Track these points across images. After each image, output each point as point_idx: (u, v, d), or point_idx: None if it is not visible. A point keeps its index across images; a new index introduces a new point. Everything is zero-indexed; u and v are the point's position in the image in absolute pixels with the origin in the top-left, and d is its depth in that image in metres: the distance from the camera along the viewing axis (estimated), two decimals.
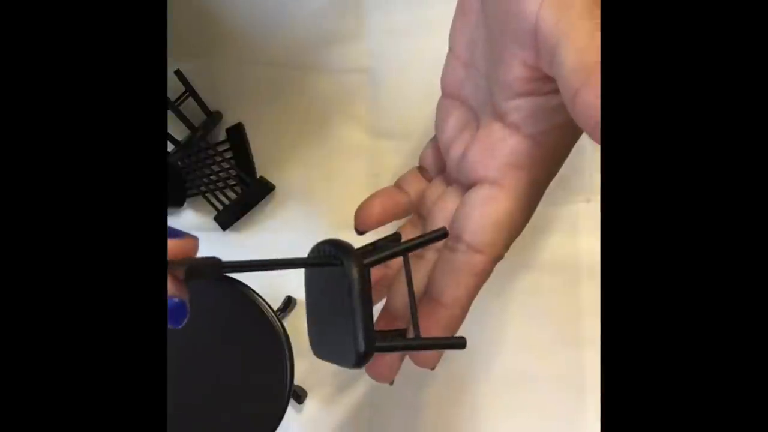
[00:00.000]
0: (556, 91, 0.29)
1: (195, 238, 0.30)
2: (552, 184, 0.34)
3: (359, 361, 0.29)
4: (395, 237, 0.37)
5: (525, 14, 0.29)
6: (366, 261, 0.30)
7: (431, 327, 0.34)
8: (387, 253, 0.31)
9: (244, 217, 0.49)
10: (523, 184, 0.32)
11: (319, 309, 0.35)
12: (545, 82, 0.30)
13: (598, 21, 0.27)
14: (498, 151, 0.33)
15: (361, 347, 0.29)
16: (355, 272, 0.29)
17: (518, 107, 0.31)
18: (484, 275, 0.34)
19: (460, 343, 0.31)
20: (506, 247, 0.33)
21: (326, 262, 0.32)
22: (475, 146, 0.34)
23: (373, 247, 0.35)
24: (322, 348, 0.34)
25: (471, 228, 0.33)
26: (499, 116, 0.32)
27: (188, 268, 0.27)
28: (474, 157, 0.33)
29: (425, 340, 0.32)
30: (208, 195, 0.49)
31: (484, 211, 0.33)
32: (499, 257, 0.33)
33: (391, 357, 0.35)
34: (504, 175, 0.32)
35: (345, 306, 0.29)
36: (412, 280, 0.32)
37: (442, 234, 0.32)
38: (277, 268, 0.30)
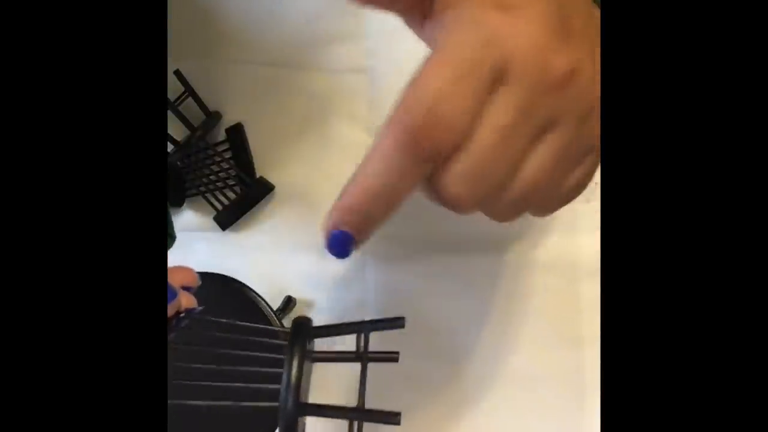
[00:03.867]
0: None
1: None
2: None
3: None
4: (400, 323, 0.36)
5: None
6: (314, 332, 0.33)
7: None
8: (336, 330, 0.33)
9: (244, 217, 0.49)
10: None
11: None
12: None
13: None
14: None
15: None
16: (295, 357, 0.32)
17: None
18: None
19: (394, 421, 0.33)
20: None
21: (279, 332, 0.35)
22: None
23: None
24: None
25: None
26: None
27: None
28: None
29: (359, 411, 0.33)
30: (207, 195, 0.49)
31: None
32: None
33: None
34: None
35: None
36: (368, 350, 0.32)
37: (400, 324, 0.33)
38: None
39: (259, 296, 0.45)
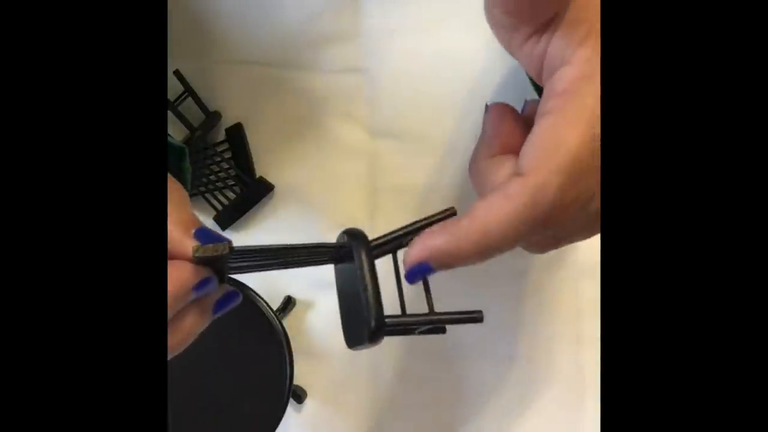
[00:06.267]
0: None
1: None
2: None
3: (372, 336, 0.30)
4: (450, 211, 0.35)
5: None
6: (373, 243, 0.31)
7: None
8: (393, 235, 0.32)
9: (243, 217, 0.50)
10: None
11: (346, 304, 0.35)
12: None
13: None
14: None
15: (372, 324, 0.30)
16: (362, 254, 0.31)
17: None
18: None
19: (476, 318, 0.31)
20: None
21: (336, 245, 0.33)
22: None
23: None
24: (351, 338, 0.34)
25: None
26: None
27: (198, 258, 0.28)
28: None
29: (440, 314, 0.32)
30: (207, 195, 0.49)
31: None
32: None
33: None
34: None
35: (359, 290, 0.31)
36: None
37: (450, 213, 0.32)
38: (288, 256, 0.31)
39: (259, 296, 0.45)
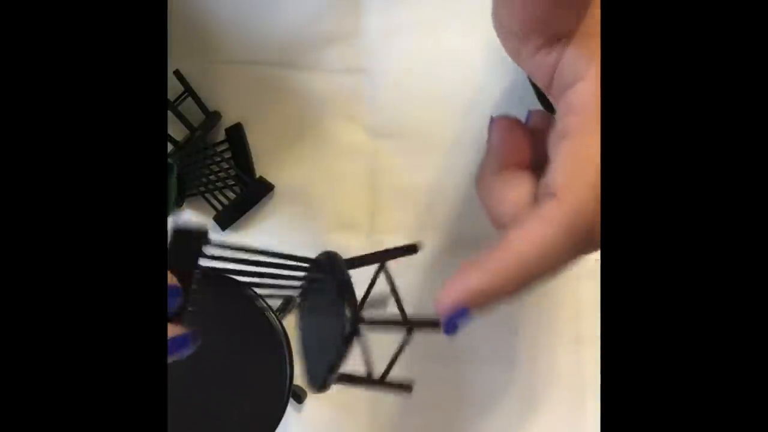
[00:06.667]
0: None
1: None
2: None
3: (348, 336, 0.31)
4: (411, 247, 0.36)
5: None
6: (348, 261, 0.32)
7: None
8: (366, 258, 0.33)
9: (243, 217, 0.49)
10: None
11: (310, 342, 0.37)
12: None
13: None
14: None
15: (349, 318, 0.30)
16: (339, 265, 0.32)
17: None
18: None
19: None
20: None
21: (313, 259, 0.34)
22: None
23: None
24: (314, 375, 0.35)
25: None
26: None
27: (175, 232, 0.29)
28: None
29: (413, 319, 0.32)
30: (207, 195, 0.49)
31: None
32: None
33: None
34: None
35: (334, 299, 0.31)
36: None
37: (411, 248, 0.33)
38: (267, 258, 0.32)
39: (259, 296, 0.45)
